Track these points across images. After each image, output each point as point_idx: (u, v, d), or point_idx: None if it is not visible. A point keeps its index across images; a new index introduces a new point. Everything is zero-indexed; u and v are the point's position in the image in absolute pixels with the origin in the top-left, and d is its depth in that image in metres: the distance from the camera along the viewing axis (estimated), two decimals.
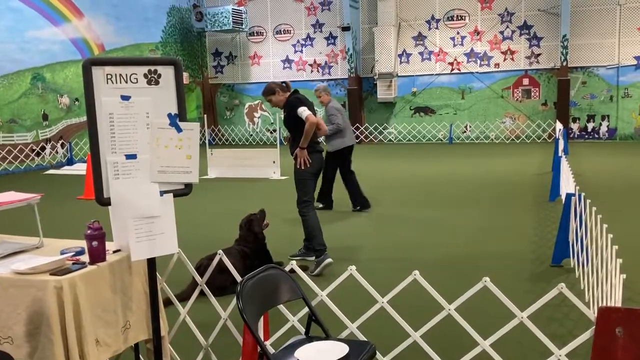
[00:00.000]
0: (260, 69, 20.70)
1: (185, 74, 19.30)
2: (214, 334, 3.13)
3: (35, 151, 14.61)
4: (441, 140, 18.50)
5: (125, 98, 2.70)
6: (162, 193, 2.79)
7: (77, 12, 15.81)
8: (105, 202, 2.67)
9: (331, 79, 19.78)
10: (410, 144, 18.55)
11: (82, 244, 3.13)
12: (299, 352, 2.44)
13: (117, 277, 2.80)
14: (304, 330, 2.77)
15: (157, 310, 2.87)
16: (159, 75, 2.77)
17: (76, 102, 15.76)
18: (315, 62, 19.96)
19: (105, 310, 2.71)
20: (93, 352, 2.60)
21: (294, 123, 5.50)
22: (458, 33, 18.31)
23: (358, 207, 8.08)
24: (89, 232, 2.72)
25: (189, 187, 2.87)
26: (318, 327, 2.65)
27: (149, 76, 2.73)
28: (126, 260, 2.85)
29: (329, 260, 5.31)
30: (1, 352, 2.24)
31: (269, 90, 5.69)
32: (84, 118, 16.08)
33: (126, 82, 2.68)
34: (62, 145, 15.35)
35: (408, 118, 19.06)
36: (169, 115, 2.80)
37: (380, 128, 19.16)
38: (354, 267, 2.89)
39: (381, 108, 19.23)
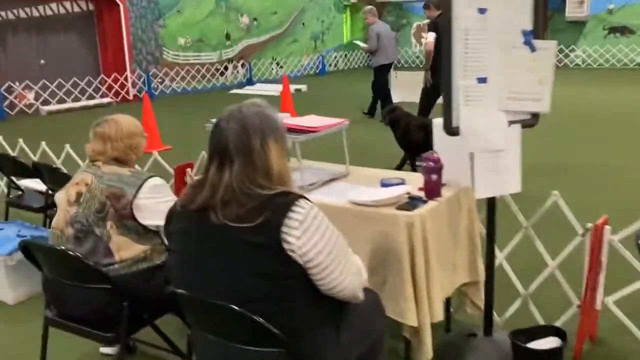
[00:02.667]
0: None
1: None
2: (535, 283, 2.82)
3: (220, 71, 15.19)
4: None
5: (481, 11, 2.33)
6: (509, 123, 2.43)
7: None
8: (454, 132, 2.38)
9: None
10: (601, 69, 16.58)
11: (388, 173, 2.93)
12: None
13: (452, 214, 2.56)
14: None
15: (492, 253, 2.60)
16: None
17: (255, 22, 15.99)
18: None
19: (441, 250, 2.49)
20: (438, 294, 2.41)
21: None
22: None
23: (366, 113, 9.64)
24: (429, 164, 2.47)
25: (535, 117, 2.49)
26: None
27: None
28: (457, 196, 2.59)
29: None
30: (370, 290, 2.09)
31: (426, 4, 6.55)
32: (263, 38, 16.35)
33: None
34: (243, 65, 15.79)
35: (601, 39, 16.96)
36: (523, 32, 2.38)
37: (567, 50, 17.30)
38: None
39: (569, 28, 17.27)
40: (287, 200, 1.64)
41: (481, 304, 2.79)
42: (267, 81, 15.71)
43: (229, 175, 1.66)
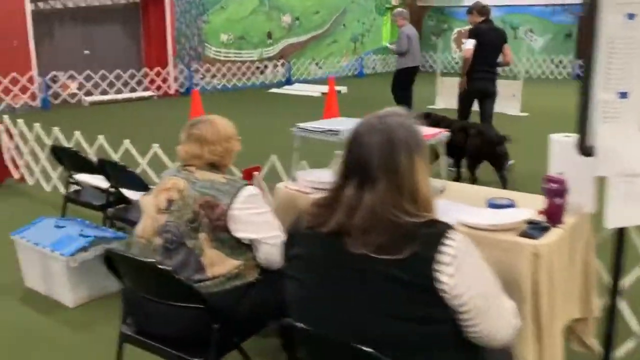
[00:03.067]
0: None
1: None
2: None
3: (260, 69, 15.04)
4: None
5: (630, 17, 2.06)
6: None
7: None
8: (588, 152, 2.11)
9: (558, 5, 17.60)
10: None
11: (489, 192, 2.67)
12: None
13: (573, 243, 2.29)
14: None
15: (616, 290, 2.33)
16: None
17: (297, 21, 15.81)
18: None
19: (561, 283, 2.22)
20: (560, 334, 2.14)
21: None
22: None
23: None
24: (553, 186, 2.20)
25: None
26: None
27: None
28: (580, 224, 2.32)
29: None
30: None
31: (470, 9, 6.37)
32: (303, 38, 16.17)
33: None
34: (283, 65, 15.63)
35: None
36: None
37: None
38: None
39: None
40: (437, 231, 1.40)
41: (590, 342, 2.52)
42: (305, 81, 15.52)
43: (371, 197, 1.42)
